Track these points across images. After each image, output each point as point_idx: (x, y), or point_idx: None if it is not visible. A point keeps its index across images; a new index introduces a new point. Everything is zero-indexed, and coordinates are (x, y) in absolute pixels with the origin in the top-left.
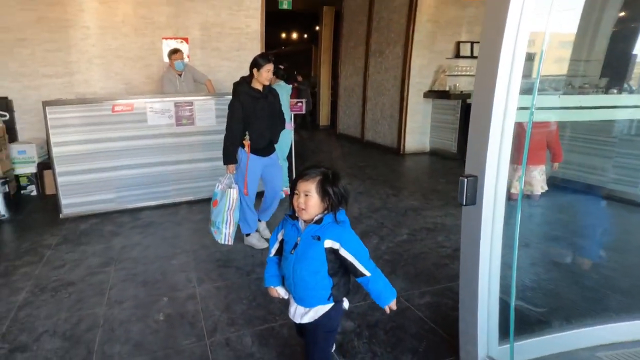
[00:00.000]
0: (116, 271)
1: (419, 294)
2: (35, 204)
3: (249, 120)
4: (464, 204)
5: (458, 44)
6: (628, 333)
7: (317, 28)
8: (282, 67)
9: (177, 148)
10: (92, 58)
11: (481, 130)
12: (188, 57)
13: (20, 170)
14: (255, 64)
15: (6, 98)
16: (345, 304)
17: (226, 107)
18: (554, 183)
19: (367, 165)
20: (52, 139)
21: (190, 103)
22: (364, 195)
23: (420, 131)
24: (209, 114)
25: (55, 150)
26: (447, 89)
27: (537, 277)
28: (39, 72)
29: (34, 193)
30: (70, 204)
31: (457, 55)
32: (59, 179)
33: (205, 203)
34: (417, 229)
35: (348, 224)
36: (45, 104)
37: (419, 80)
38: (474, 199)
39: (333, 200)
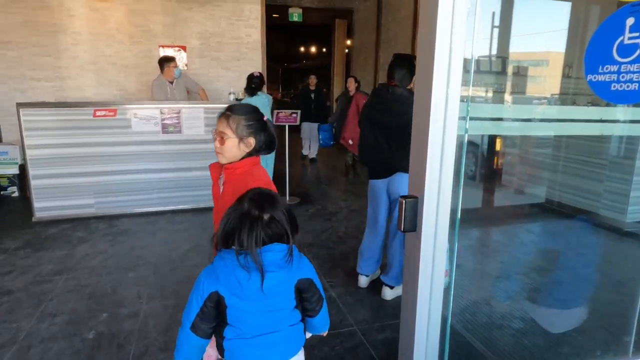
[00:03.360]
0: (66, 281)
1: (378, 327)
2: (12, 205)
3: None
4: (402, 229)
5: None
6: None
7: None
8: (257, 74)
9: (163, 156)
10: (84, 64)
11: (419, 144)
12: (186, 65)
13: (1, 171)
14: (414, 67)
15: None
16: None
17: (215, 116)
18: (548, 207)
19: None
20: (27, 142)
21: (178, 111)
22: (356, 214)
23: None
24: (197, 122)
25: (29, 153)
26: None
27: (509, 312)
28: (27, 75)
29: (16, 194)
30: (45, 207)
31: None
32: (33, 182)
33: (189, 213)
34: None
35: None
36: (19, 106)
37: None
38: (414, 224)
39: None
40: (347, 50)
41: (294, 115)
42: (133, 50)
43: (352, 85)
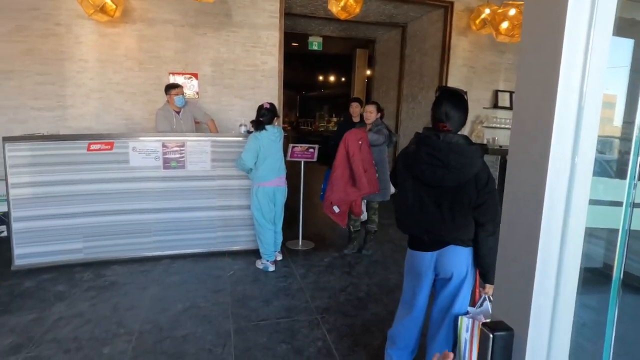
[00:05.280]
0: None
1: None
2: None
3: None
4: None
5: (496, 93)
6: None
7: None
8: (267, 106)
9: (162, 194)
10: (89, 92)
11: (522, 243)
12: (197, 93)
13: None
14: (468, 107)
15: None
16: None
17: (227, 150)
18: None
19: (392, 223)
20: (10, 180)
21: (182, 144)
22: (378, 266)
23: None
24: (203, 157)
25: (13, 192)
26: (485, 141)
27: None
28: (27, 105)
29: (4, 234)
30: (26, 253)
31: (495, 106)
32: (14, 225)
33: (189, 259)
34: None
35: None
36: (5, 140)
37: None
38: None
39: None
40: (367, 80)
41: (311, 150)
42: (142, 76)
43: (372, 115)
